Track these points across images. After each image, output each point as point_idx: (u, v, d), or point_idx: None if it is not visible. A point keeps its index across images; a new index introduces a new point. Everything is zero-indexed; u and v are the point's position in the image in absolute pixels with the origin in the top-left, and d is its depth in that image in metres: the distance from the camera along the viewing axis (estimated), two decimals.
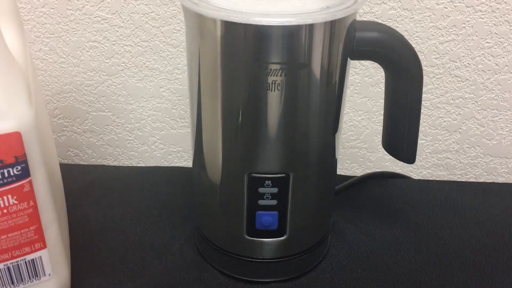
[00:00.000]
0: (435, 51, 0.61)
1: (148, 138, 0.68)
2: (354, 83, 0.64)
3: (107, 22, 0.60)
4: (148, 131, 0.67)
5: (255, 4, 0.34)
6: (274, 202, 0.39)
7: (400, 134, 0.41)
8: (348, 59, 0.38)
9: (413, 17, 0.59)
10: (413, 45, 0.60)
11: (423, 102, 0.64)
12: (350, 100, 0.65)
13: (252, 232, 0.40)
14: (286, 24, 0.32)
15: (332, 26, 0.34)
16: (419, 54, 0.61)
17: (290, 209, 0.39)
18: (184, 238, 0.47)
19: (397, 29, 0.59)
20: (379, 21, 0.59)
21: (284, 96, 0.35)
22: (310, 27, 0.33)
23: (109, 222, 0.49)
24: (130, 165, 0.70)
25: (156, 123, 0.67)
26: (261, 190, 0.38)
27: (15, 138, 0.31)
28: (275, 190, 0.38)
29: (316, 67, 0.35)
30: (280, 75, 0.34)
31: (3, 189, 0.32)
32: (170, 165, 0.69)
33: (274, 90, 0.34)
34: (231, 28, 0.33)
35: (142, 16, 0.60)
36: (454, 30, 0.60)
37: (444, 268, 0.45)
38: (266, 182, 0.38)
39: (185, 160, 0.69)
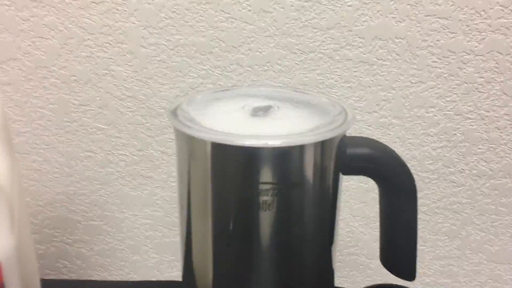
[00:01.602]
0: (428, 157, 0.62)
1: (140, 248, 0.66)
2: (349, 188, 0.63)
3: (103, 133, 0.61)
4: (141, 240, 0.66)
5: (245, 126, 0.34)
6: None
7: (398, 251, 0.40)
8: (340, 174, 0.38)
9: (404, 125, 0.60)
10: (406, 151, 0.61)
11: (420, 207, 0.64)
12: (346, 206, 0.64)
13: None
14: (276, 146, 0.32)
15: (322, 145, 0.34)
16: (413, 160, 0.62)
17: None
18: None
19: (389, 136, 0.61)
20: (371, 128, 0.60)
21: (276, 216, 0.34)
22: (300, 148, 0.33)
23: None
24: (120, 275, 0.67)
25: (149, 232, 0.65)
26: None
27: None
28: None
29: (308, 186, 0.34)
30: (271, 195, 0.33)
31: None
32: (161, 279, 0.67)
33: (266, 210, 0.34)
34: (221, 150, 0.33)
35: (137, 127, 0.61)
36: (446, 137, 0.60)
37: None
38: None
39: (178, 270, 0.67)
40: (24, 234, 0.34)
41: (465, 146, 0.61)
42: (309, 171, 0.34)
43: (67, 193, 0.63)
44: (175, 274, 0.67)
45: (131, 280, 0.67)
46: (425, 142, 0.61)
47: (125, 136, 0.61)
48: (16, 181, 0.36)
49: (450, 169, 0.62)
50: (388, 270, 0.42)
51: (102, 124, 0.61)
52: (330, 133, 0.33)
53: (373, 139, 0.39)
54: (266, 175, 0.33)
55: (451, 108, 0.59)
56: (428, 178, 0.63)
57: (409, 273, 0.41)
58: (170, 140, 0.61)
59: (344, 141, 0.36)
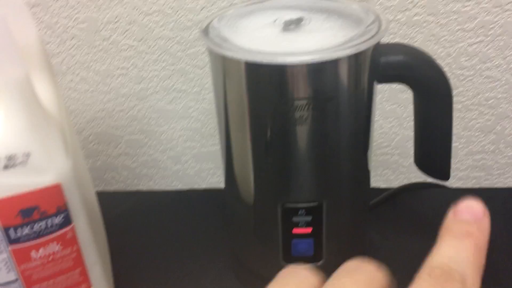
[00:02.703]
0: (463, 54, 0.60)
1: (180, 158, 0.69)
2: (382, 90, 0.63)
3: (134, 49, 0.61)
4: (180, 151, 0.69)
5: (277, 41, 0.34)
6: (308, 230, 0.39)
7: (433, 154, 0.41)
8: (375, 82, 0.38)
9: (438, 22, 0.58)
10: (441, 49, 0.60)
11: (454, 105, 0.64)
12: (379, 108, 0.64)
13: (288, 259, 0.41)
14: (310, 62, 0.32)
15: (356, 58, 0.34)
16: (447, 58, 0.60)
17: (325, 235, 0.40)
18: (222, 263, 0.48)
19: (423, 34, 0.59)
20: (404, 28, 0.59)
21: (312, 129, 0.35)
22: (334, 62, 0.33)
23: (148, 251, 0.50)
24: (164, 184, 0.71)
25: (187, 143, 0.68)
26: (295, 219, 0.39)
27: (56, 189, 0.33)
28: (309, 218, 0.38)
29: (343, 98, 0.35)
30: (307, 110, 0.34)
31: (48, 238, 0.34)
32: (202, 187, 0.70)
33: (302, 124, 0.35)
34: (255, 68, 0.33)
35: (167, 41, 0.61)
36: (483, 31, 0.58)
37: (486, 281, 0.44)
38: (300, 211, 0.38)
39: (218, 176, 0.70)
40: (76, 155, 0.37)
41: (503, 39, 0.59)
42: (343, 84, 0.34)
43: (107, 110, 0.66)
44: (216, 180, 0.70)
45: (175, 188, 0.71)
46: (461, 38, 0.59)
47: (156, 52, 0.61)
48: (62, 106, 0.38)
49: (486, 65, 0.60)
50: (422, 172, 0.43)
51: (132, 41, 0.61)
52: (363, 45, 0.33)
53: (407, 45, 0.39)
54: (301, 91, 0.33)
55: (489, 0, 0.56)
56: (463, 75, 0.61)
57: (443, 174, 0.42)
58: (200, 53, 0.61)
59: (378, 50, 0.36)
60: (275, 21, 0.37)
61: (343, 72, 0.34)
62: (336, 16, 0.37)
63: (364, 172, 0.41)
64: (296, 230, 0.39)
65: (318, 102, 0.34)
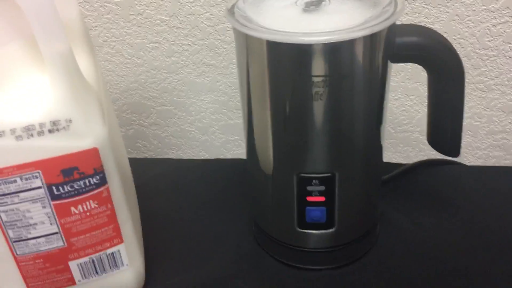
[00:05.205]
0: (488, 34, 0.61)
1: (208, 129, 0.73)
2: (404, 69, 0.65)
3: (166, 24, 0.64)
4: (208, 123, 0.72)
5: (298, 22, 0.37)
6: (322, 198, 0.42)
7: (444, 132, 0.43)
8: (389, 62, 0.40)
9: (463, 2, 0.59)
10: (465, 29, 0.61)
11: (476, 84, 0.65)
12: (401, 86, 0.66)
13: (302, 225, 0.44)
14: (327, 41, 0.34)
15: (371, 38, 0.36)
16: (471, 38, 0.61)
17: (337, 204, 0.43)
18: (243, 228, 0.51)
19: (448, 14, 0.60)
20: (428, 7, 0.60)
21: (328, 105, 0.37)
22: (350, 42, 0.35)
23: (175, 214, 0.54)
24: (192, 154, 0.75)
25: (215, 115, 0.71)
26: (309, 188, 0.41)
27: (93, 153, 0.37)
28: (322, 188, 0.41)
29: (357, 76, 0.37)
30: (323, 86, 0.36)
31: (85, 196, 0.38)
32: (228, 157, 0.74)
33: (318, 100, 0.37)
34: (275, 47, 0.36)
35: (197, 17, 0.63)
36: (508, 12, 0.59)
37: (494, 258, 0.46)
38: (314, 181, 0.41)
39: (243, 148, 0.73)
40: (112, 122, 0.41)
41: None
42: (358, 63, 0.36)
43: (140, 82, 0.69)
44: (241, 152, 0.74)
45: (202, 157, 0.75)
46: (486, 18, 0.60)
47: (187, 27, 0.64)
48: (100, 78, 0.41)
49: (510, 45, 0.61)
50: (434, 148, 0.45)
51: (164, 16, 0.64)
52: (378, 26, 0.35)
53: (422, 26, 0.40)
54: (318, 69, 0.36)
55: None
56: (487, 55, 0.62)
57: (454, 151, 0.44)
58: (228, 29, 0.64)
59: (393, 30, 0.38)
60: (296, 2, 0.39)
61: (359, 51, 0.36)
62: None
63: (376, 146, 0.43)
64: (310, 198, 0.42)
65: (334, 79, 0.36)
